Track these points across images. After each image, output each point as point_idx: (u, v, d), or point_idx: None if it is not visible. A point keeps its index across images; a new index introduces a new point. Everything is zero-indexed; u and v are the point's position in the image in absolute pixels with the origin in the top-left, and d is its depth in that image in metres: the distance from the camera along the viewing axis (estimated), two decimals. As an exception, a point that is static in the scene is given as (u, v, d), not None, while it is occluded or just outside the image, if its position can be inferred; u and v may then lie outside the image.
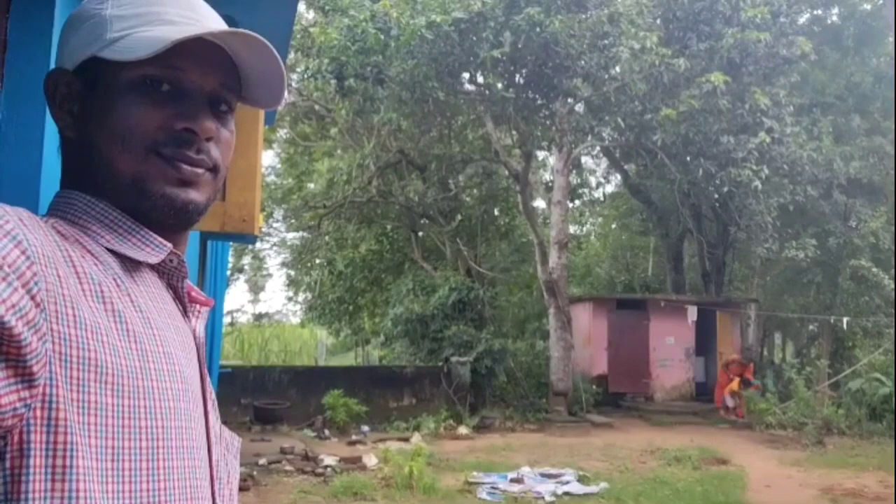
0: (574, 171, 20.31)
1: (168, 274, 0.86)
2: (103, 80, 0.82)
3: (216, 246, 10.32)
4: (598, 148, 18.59)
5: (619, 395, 16.36)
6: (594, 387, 15.68)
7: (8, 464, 0.64)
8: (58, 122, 0.86)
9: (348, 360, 23.24)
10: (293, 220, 20.33)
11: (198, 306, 0.91)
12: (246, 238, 9.77)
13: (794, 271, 17.79)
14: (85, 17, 0.85)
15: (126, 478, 0.70)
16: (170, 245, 0.84)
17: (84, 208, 0.81)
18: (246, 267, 25.57)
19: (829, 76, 16.82)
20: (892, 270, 15.28)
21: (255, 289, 30.65)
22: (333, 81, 11.33)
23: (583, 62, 11.25)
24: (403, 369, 13.85)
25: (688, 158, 12.94)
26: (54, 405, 0.66)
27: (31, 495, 0.64)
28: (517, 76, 11.88)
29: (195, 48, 0.83)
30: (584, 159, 21.75)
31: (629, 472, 9.53)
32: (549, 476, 9.03)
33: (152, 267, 0.84)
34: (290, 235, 22.33)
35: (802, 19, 16.59)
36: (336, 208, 16.96)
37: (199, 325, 0.91)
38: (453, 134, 16.18)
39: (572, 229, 24.71)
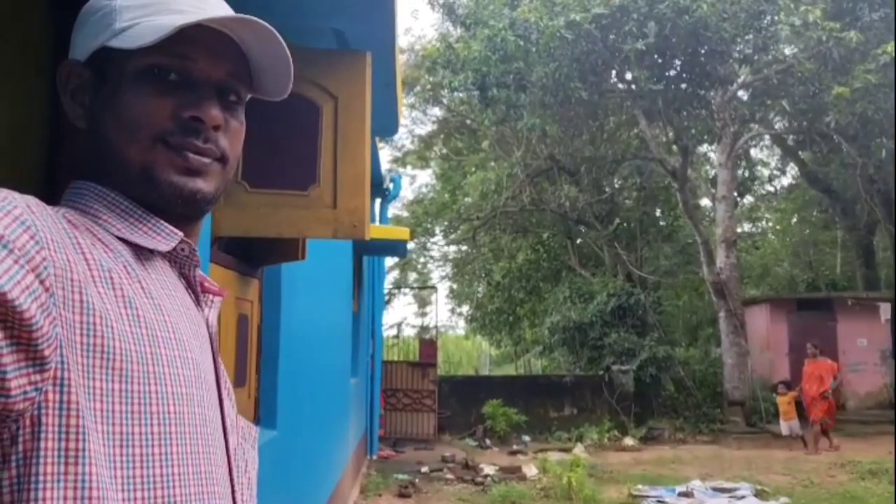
0: (743, 164, 19.09)
1: (180, 263, 0.86)
2: (112, 69, 0.83)
3: (373, 262, 10.79)
4: (767, 137, 17.32)
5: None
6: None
7: (21, 447, 0.64)
8: (69, 113, 0.87)
9: (511, 370, 23.27)
10: (452, 235, 20.74)
11: (210, 296, 0.91)
12: (397, 250, 10.03)
13: None
14: (95, 9, 0.86)
15: (137, 463, 0.69)
16: (180, 233, 0.83)
17: (95, 198, 0.82)
18: (412, 282, 26.45)
19: None
20: None
21: (422, 303, 31.74)
22: (476, 93, 11.44)
23: (739, 45, 10.54)
24: (563, 378, 13.63)
25: (868, 139, 11.66)
26: (66, 388, 0.66)
27: (42, 478, 0.64)
28: (666, 67, 11.35)
29: (204, 37, 0.82)
30: (752, 150, 20.39)
31: (815, 487, 8.70)
32: (722, 490, 8.48)
33: (164, 256, 0.84)
34: (453, 249, 22.84)
35: None
36: (489, 219, 17.09)
37: (212, 315, 0.90)
38: (606, 135, 15.78)
39: (746, 227, 23.20)
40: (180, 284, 0.85)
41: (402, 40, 20.56)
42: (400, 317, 35.88)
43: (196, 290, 0.88)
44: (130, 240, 0.79)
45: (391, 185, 10.12)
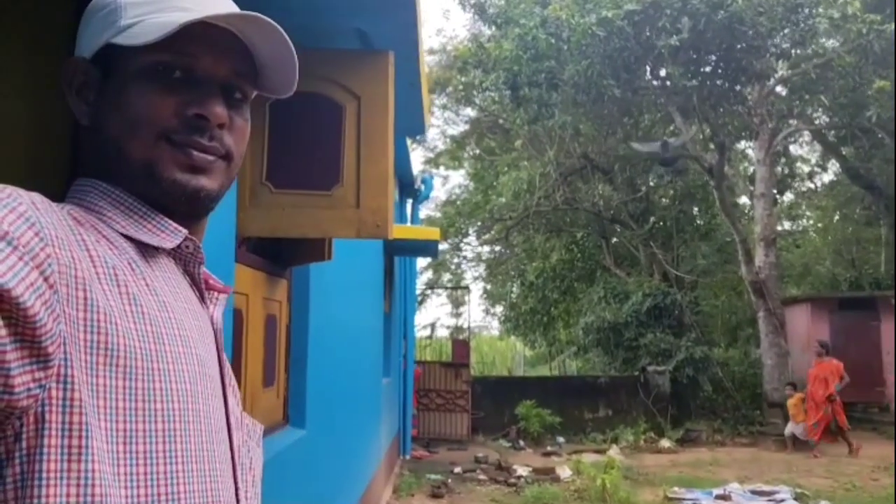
0: (782, 160, 18.70)
1: (184, 260, 0.86)
2: (117, 67, 0.84)
3: (404, 262, 10.81)
4: (806, 133, 16.93)
5: (847, 405, 14.60)
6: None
7: (24, 444, 0.64)
8: (74, 110, 0.88)
9: (546, 371, 23.14)
10: (485, 235, 20.68)
11: (215, 293, 0.91)
12: (428, 250, 10.01)
13: None
14: (100, 6, 0.86)
15: (140, 460, 0.69)
16: (185, 231, 0.83)
17: (99, 195, 0.83)
18: (446, 282, 26.48)
19: None
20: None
21: (456, 303, 31.75)
22: (508, 92, 11.38)
23: (776, 39, 10.32)
24: (597, 379, 13.47)
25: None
26: (69, 385, 0.66)
27: (45, 475, 0.64)
28: (701, 63, 11.16)
29: (208, 34, 0.82)
30: (791, 146, 19.97)
31: (857, 491, 8.46)
32: (761, 493, 8.29)
33: (169, 253, 0.84)
34: (486, 249, 22.79)
35: None
36: (522, 219, 16.99)
37: (217, 312, 0.90)
38: (640, 133, 15.57)
39: (786, 225, 22.72)
40: (185, 282, 0.85)
41: (434, 41, 20.59)
42: (433, 317, 35.94)
43: (201, 288, 0.88)
44: (135, 237, 0.79)
45: (422, 186, 10.13)
